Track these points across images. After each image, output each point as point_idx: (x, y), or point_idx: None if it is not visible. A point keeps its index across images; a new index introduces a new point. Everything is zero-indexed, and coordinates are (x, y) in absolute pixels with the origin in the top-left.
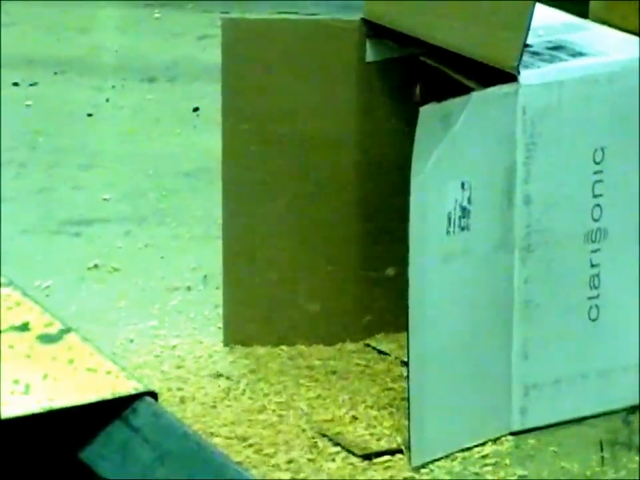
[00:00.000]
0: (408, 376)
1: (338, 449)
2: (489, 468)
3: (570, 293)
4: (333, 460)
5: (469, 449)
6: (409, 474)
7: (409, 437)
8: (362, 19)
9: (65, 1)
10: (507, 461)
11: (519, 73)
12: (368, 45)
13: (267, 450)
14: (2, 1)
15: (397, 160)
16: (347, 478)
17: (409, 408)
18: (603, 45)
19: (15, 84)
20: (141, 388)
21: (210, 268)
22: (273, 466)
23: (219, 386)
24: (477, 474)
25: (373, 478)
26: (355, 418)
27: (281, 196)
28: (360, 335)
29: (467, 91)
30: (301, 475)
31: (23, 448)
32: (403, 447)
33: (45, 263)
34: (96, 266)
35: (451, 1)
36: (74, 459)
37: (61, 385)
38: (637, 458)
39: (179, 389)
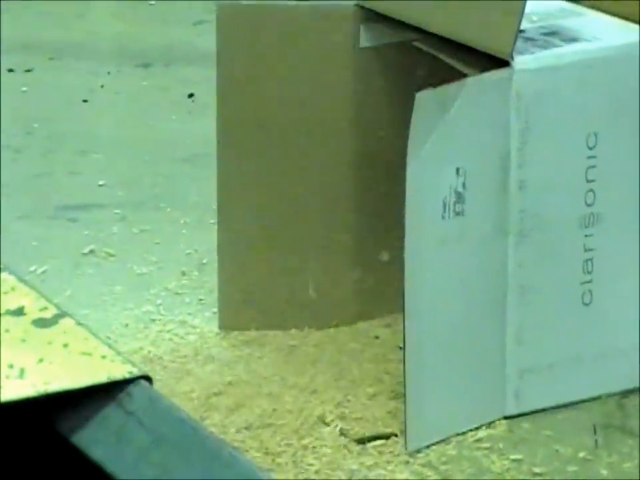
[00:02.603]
0: (404, 360)
1: (333, 433)
2: (484, 452)
3: (564, 278)
4: (328, 444)
5: (463, 433)
6: (404, 458)
7: (405, 421)
8: (356, 4)
9: None
10: (501, 445)
11: (513, 58)
12: (362, 30)
13: (261, 434)
14: None
15: (392, 145)
16: (342, 462)
17: (404, 392)
18: (597, 30)
19: (10, 70)
20: (136, 372)
21: (205, 253)
22: (266, 450)
23: (214, 370)
24: (471, 458)
25: (368, 462)
26: (349, 402)
27: (275, 182)
28: (354, 319)
29: (461, 76)
30: (296, 459)
31: (18, 432)
32: (397, 432)
33: (41, 248)
34: (91, 251)
35: None
36: (69, 443)
37: (56, 368)
38: (631, 441)
39: (174, 373)
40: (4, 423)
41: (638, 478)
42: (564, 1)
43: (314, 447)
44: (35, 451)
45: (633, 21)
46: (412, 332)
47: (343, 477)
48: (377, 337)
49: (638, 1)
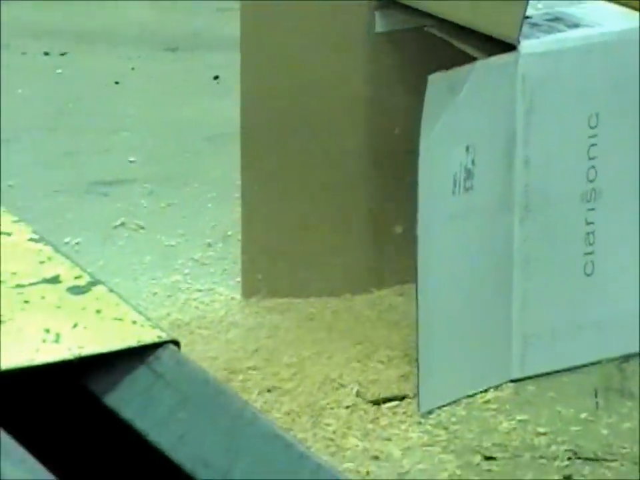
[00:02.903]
0: (417, 327)
1: (349, 395)
2: (492, 413)
3: (566, 250)
4: (346, 406)
5: (472, 395)
6: (416, 418)
7: (418, 384)
8: None
9: None
10: (508, 407)
11: (519, 42)
12: (377, 16)
13: (281, 396)
14: None
15: (406, 126)
16: (358, 422)
17: (417, 357)
18: (598, 17)
19: (46, 53)
20: (164, 336)
21: (229, 226)
22: (287, 411)
23: (237, 336)
24: (479, 418)
25: (382, 422)
26: (365, 366)
27: (295, 160)
28: (370, 288)
29: (471, 60)
30: (314, 419)
31: (54, 393)
32: (410, 394)
33: (75, 221)
34: (122, 224)
35: None
36: (100, 403)
37: (90, 333)
38: (630, 403)
39: (200, 338)
40: (41, 384)
41: (637, 437)
42: None
43: (332, 408)
44: (69, 411)
45: (633, 8)
46: (424, 300)
47: (358, 436)
48: (390, 305)
49: None
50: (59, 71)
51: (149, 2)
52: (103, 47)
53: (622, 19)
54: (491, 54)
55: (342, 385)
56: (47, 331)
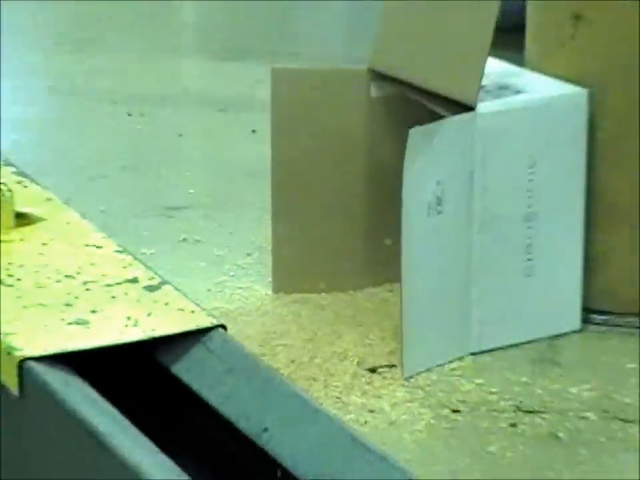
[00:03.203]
0: (400, 314)
1: (352, 364)
2: (456, 377)
3: (512, 256)
4: (348, 372)
5: (442, 364)
6: (400, 382)
7: (402, 356)
8: (368, 67)
9: (155, 55)
10: (468, 373)
11: (476, 105)
12: (372, 85)
13: (301, 365)
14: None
15: (394, 166)
16: (358, 384)
17: (401, 335)
18: (535, 85)
19: (129, 114)
20: (215, 322)
21: (263, 240)
22: (305, 377)
23: (269, 321)
24: (448, 382)
25: (376, 384)
26: (364, 343)
27: (311, 190)
28: (368, 286)
29: (440, 118)
30: (326, 382)
31: (134, 366)
32: (396, 364)
33: (150, 237)
34: (184, 239)
35: (428, 57)
36: (167, 372)
37: (160, 320)
38: (557, 370)
39: (242, 323)
40: (124, 359)
41: (562, 395)
42: (511, 65)
43: (338, 374)
44: (144, 377)
45: (560, 78)
46: (406, 294)
47: (358, 395)
48: (383, 299)
49: (564, 63)
50: (139, 127)
51: (206, 73)
52: (170, 108)
53: (552, 86)
54: (455, 113)
55: (346, 357)
56: (128, 318)
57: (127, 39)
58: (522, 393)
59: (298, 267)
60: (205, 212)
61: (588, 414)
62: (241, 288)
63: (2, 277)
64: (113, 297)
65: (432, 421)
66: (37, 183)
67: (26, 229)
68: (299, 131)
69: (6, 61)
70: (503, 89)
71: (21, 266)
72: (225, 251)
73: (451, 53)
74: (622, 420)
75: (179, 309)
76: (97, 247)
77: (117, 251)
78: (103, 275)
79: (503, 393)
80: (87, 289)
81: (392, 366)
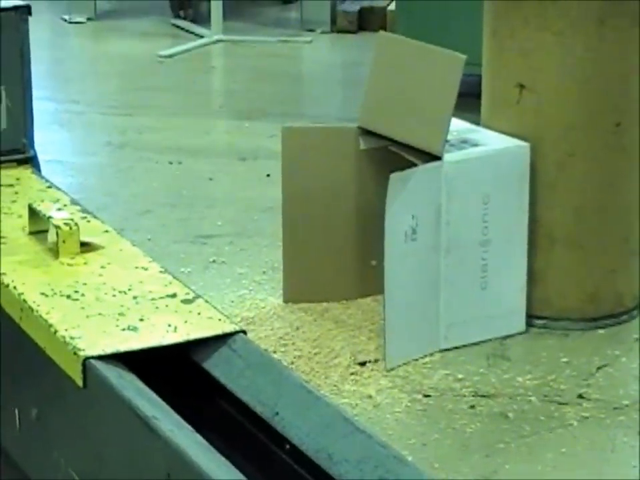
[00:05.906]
0: (384, 318)
1: (346, 358)
2: (428, 369)
3: (470, 274)
4: (343, 364)
5: (417, 359)
6: (383, 373)
7: (384, 352)
8: (357, 125)
9: (191, 115)
10: (437, 365)
11: (442, 155)
12: (360, 139)
13: (306, 359)
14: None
15: (379, 205)
16: (351, 374)
17: (384, 335)
18: (489, 140)
19: (170, 162)
20: (237, 328)
21: (276, 261)
22: (310, 369)
23: (281, 325)
24: (421, 372)
25: (365, 374)
26: (356, 340)
27: (313, 224)
28: (356, 297)
29: (415, 165)
30: (326, 372)
31: (173, 363)
32: (381, 358)
33: (185, 259)
34: (214, 261)
35: (404, 116)
36: (199, 367)
37: (194, 326)
38: (507, 363)
39: (258, 327)
40: (164, 357)
41: (510, 383)
42: (469, 124)
43: (335, 366)
44: (181, 372)
45: (508, 134)
46: (389, 303)
47: (351, 383)
48: (370, 307)
49: (511, 122)
50: (177, 172)
51: (231, 130)
52: (202, 157)
53: (502, 141)
54: (426, 161)
55: (341, 354)
56: (169, 325)
57: (169, 102)
58: (479, 381)
59: (304, 282)
60: (230, 239)
61: (531, 398)
62: (258, 299)
63: (69, 293)
64: (157, 308)
65: (408, 404)
66: (97, 218)
67: (88, 255)
68: (304, 175)
69: (71, 121)
70: (463, 143)
71: (84, 284)
72: (245, 270)
73: (423, 113)
74: (558, 403)
75: (209, 317)
76: (144, 269)
77: (160, 272)
78: (149, 291)
79: (464, 381)
80: (137, 302)
81: (377, 360)
